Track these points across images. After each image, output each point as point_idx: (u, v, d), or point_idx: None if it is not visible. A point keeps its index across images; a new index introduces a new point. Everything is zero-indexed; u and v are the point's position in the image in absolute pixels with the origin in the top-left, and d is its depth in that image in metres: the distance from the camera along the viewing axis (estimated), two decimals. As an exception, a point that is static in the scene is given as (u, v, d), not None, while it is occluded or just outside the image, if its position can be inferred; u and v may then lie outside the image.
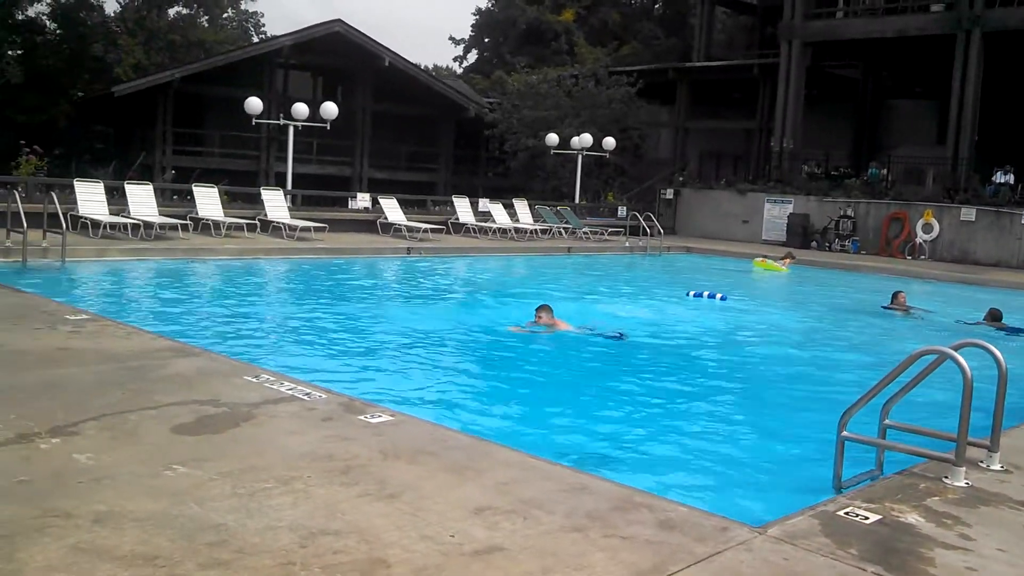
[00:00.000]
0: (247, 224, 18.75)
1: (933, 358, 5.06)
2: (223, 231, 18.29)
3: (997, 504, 4.62)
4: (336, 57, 33.92)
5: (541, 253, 21.94)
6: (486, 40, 51.77)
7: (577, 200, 28.97)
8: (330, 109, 22.90)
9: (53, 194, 15.23)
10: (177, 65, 34.75)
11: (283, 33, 33.91)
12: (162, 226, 17.04)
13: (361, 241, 19.77)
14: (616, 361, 9.79)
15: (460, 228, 23.29)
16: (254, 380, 6.25)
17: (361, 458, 4.67)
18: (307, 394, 5.93)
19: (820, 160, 31.22)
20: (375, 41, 33.43)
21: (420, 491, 4.25)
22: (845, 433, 5.02)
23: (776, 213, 28.06)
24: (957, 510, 4.47)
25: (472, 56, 54.08)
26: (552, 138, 29.23)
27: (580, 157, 28.90)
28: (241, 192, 22.11)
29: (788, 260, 21.35)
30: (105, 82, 37.17)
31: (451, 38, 54.65)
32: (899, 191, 26.71)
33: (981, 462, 5.19)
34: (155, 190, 18.63)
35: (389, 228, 21.46)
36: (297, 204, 21.94)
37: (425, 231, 21.20)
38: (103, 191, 17.29)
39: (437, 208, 25.52)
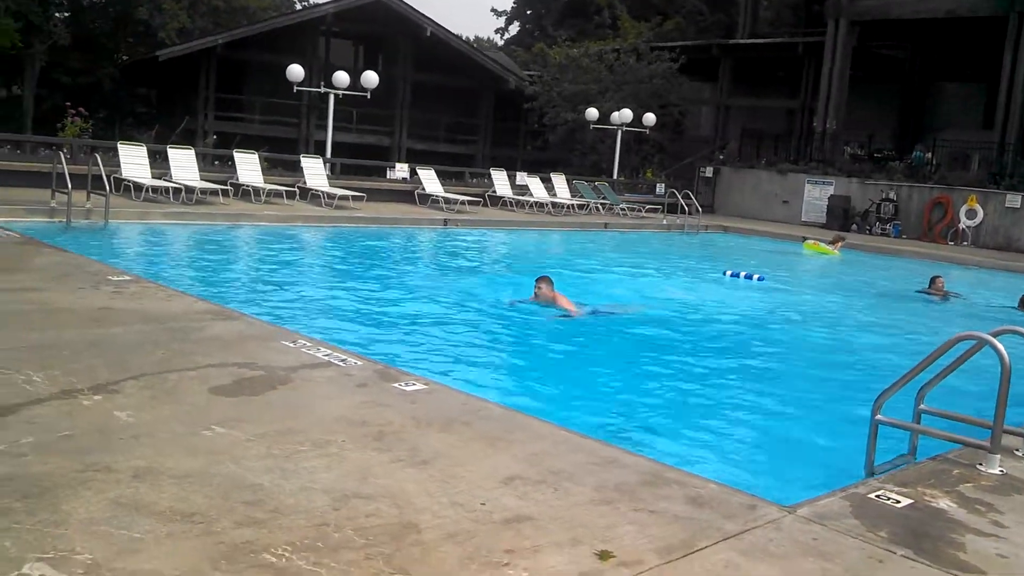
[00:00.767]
0: (286, 191, 18.88)
1: (971, 344, 5.01)
2: (263, 197, 18.44)
3: (1031, 493, 4.58)
4: (378, 26, 33.90)
5: (577, 228, 21.89)
6: (528, 12, 51.45)
7: (615, 176, 28.82)
8: (371, 78, 22.92)
9: (97, 156, 15.43)
10: (221, 31, 34.93)
11: (326, 1, 33.94)
12: (203, 191, 17.21)
13: (398, 211, 19.84)
14: (650, 339, 9.77)
15: (497, 201, 23.27)
16: (291, 345, 6.33)
17: (394, 424, 4.73)
18: (343, 360, 6.00)
19: (863, 142, 30.75)
20: (417, 11, 33.38)
21: (452, 459, 4.30)
22: (879, 417, 4.99)
23: (816, 194, 27.74)
24: (990, 497, 4.44)
25: (514, 28, 53.82)
26: (592, 112, 29.05)
27: (620, 132, 28.70)
28: (281, 159, 22.25)
29: (839, 243, 21.09)
30: (149, 46, 37.47)
31: (493, 10, 54.46)
32: (943, 175, 26.26)
33: (1017, 450, 5.15)
34: (197, 155, 18.81)
35: (426, 199, 21.51)
36: (336, 172, 22.05)
37: (462, 203, 21.22)
38: (146, 154, 17.48)
39: (475, 180, 25.51)
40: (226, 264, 12.74)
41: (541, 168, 28.66)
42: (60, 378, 5.04)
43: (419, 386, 5.53)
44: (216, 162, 21.06)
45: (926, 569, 3.56)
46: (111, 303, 7.35)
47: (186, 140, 26.55)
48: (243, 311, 7.88)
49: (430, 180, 22.10)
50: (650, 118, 29.00)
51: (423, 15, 33.45)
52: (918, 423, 5.25)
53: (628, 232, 22.63)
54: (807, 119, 32.08)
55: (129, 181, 16.57)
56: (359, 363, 5.99)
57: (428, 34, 33.58)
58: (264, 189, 18.56)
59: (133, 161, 17.09)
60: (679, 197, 24.59)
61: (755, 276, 14.90)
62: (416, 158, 28.47)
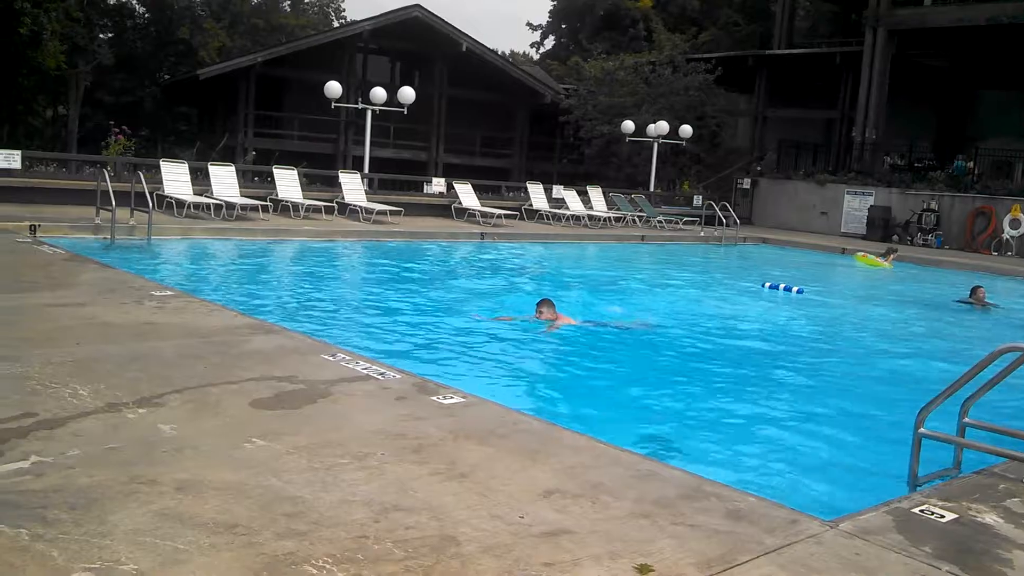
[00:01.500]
0: (325, 206, 19.07)
1: (1016, 356, 4.93)
2: (302, 213, 18.64)
3: (1080, 507, 4.49)
4: (414, 42, 34.17)
5: (614, 241, 21.86)
6: (563, 26, 51.58)
7: (652, 188, 28.75)
8: (407, 94, 23.10)
9: (140, 174, 15.70)
10: (260, 49, 35.44)
11: (363, 18, 34.30)
12: (243, 207, 17.43)
13: (435, 225, 19.95)
14: (688, 352, 9.73)
15: (533, 214, 23.31)
16: (330, 359, 6.39)
17: (433, 437, 4.75)
18: (381, 374, 6.04)
19: (903, 151, 30.42)
20: (453, 26, 33.60)
21: (490, 472, 4.31)
22: (922, 430, 4.93)
23: (856, 205, 27.46)
24: (1037, 512, 4.36)
25: (549, 42, 53.99)
26: (628, 125, 29.03)
27: (656, 145, 28.65)
28: (319, 175, 22.48)
29: (892, 256, 20.83)
30: (190, 65, 38.13)
31: (528, 24, 54.65)
32: (985, 184, 25.88)
33: (1064, 464, 5.05)
34: (237, 171, 19.07)
35: (463, 213, 21.60)
36: (373, 187, 22.23)
37: (499, 217, 21.29)
38: (188, 172, 17.77)
39: (511, 194, 25.58)
40: (266, 279, 12.88)
41: (577, 181, 28.69)
42: (105, 392, 5.13)
43: (457, 399, 5.55)
44: (256, 178, 21.33)
45: (971, 584, 3.50)
46: (154, 318, 7.47)
47: (226, 157, 26.92)
48: (283, 325, 7.97)
49: (466, 194, 22.21)
50: (686, 130, 28.91)
51: (459, 31, 33.68)
52: (962, 436, 5.17)
53: (665, 244, 22.55)
54: (846, 129, 31.79)
55: (171, 198, 16.84)
56: (397, 376, 6.03)
57: (464, 49, 33.78)
58: (303, 204, 18.75)
59: (175, 178, 17.37)
60: (716, 209, 24.47)
61: (794, 288, 14.77)
62: (452, 172, 28.62)
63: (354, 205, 19.61)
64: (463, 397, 5.64)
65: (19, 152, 17.50)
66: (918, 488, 4.80)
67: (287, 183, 19.19)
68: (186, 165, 18.13)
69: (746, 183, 30.18)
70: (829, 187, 28.35)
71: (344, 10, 51.87)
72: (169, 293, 8.78)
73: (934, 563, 3.65)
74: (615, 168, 33.46)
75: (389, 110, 23.40)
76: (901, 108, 30.36)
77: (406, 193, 23.02)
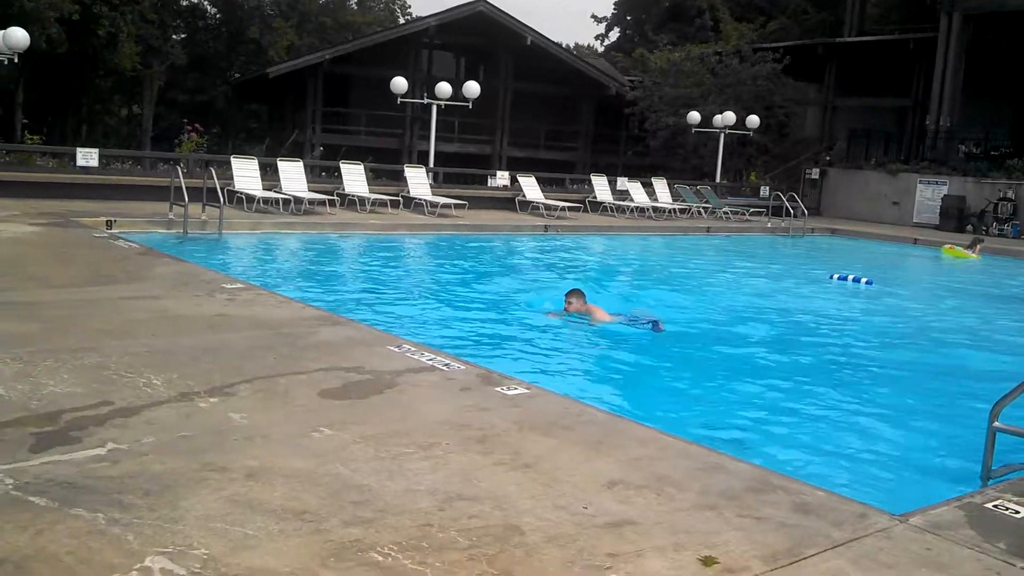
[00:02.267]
0: (390, 200, 19.24)
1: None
2: (368, 207, 18.84)
3: None
4: (479, 37, 34.27)
5: (679, 233, 21.66)
6: (628, 18, 51.25)
7: (718, 179, 28.41)
8: (472, 88, 23.18)
9: (212, 170, 16.02)
10: (327, 46, 35.91)
11: (428, 14, 34.52)
12: (311, 201, 17.69)
13: (499, 218, 20.00)
14: (754, 344, 9.61)
15: (597, 207, 23.23)
16: (396, 350, 6.46)
17: (497, 428, 4.77)
18: (446, 365, 6.09)
19: (979, 139, 29.54)
20: (517, 20, 33.62)
21: (554, 462, 4.32)
22: (997, 424, 4.80)
23: (929, 195, 26.78)
24: (1119, 509, 4.21)
25: (614, 34, 53.69)
26: (694, 116, 28.69)
27: (722, 135, 28.30)
28: (385, 169, 22.71)
29: (978, 246, 20.28)
30: (259, 63, 38.84)
31: (593, 16, 54.73)
32: (1066, 173, 25.06)
33: None
34: (305, 167, 19.36)
35: (527, 206, 21.62)
36: (438, 181, 22.38)
37: (562, 209, 21.25)
38: (257, 167, 18.09)
39: (575, 187, 25.53)
40: (333, 272, 13.06)
41: (642, 173, 28.48)
42: (178, 381, 5.26)
43: (521, 390, 5.57)
44: (323, 173, 21.63)
45: (1048, 582, 3.40)
46: (225, 310, 7.62)
47: (295, 153, 27.37)
48: (350, 317, 8.07)
49: (531, 187, 22.21)
50: (753, 120, 28.48)
51: (524, 24, 33.68)
52: (1039, 431, 5.02)
53: (731, 236, 22.28)
54: (919, 117, 31.00)
55: (241, 193, 17.16)
56: (462, 367, 6.07)
57: (528, 43, 33.78)
58: (369, 199, 18.96)
59: (245, 174, 17.70)
60: (784, 200, 24.08)
61: (863, 280, 14.48)
62: (516, 165, 28.66)
63: (419, 199, 19.76)
64: (527, 388, 5.66)
65: (97, 151, 18.04)
66: (991, 483, 4.68)
67: (353, 178, 19.41)
68: (256, 161, 18.45)
69: (815, 173, 29.63)
70: (901, 176, 27.70)
71: (409, 6, 52.32)
72: (240, 286, 8.96)
73: (1009, 560, 3.55)
74: (681, 159, 33.15)
75: (454, 105, 23.50)
76: (977, 95, 29.49)
77: (470, 187, 23.12)
